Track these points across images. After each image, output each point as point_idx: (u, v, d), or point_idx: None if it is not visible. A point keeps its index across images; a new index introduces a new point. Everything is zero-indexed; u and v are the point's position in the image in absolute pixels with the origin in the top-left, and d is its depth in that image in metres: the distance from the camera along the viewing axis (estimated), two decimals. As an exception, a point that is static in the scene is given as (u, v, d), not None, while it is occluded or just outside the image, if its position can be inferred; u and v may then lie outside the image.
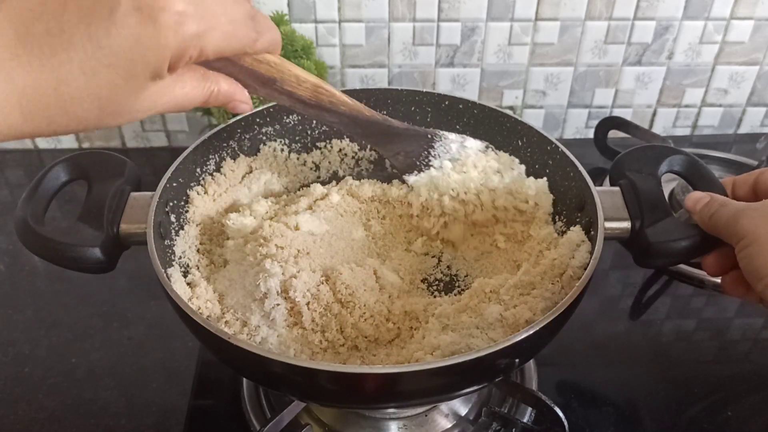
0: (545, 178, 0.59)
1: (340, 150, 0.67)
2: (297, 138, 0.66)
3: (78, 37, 0.31)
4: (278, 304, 0.50)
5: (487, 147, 0.61)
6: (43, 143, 0.96)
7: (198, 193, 0.58)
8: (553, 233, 0.57)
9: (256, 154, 0.64)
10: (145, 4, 0.32)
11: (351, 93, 0.65)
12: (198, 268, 0.56)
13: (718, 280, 0.50)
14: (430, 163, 0.59)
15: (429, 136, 0.59)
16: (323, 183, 0.67)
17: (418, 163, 0.59)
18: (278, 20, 0.78)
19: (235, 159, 0.62)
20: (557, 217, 0.59)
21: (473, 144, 0.60)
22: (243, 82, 0.43)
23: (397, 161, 0.59)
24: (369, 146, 0.68)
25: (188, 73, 0.38)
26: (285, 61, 0.46)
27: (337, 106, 0.51)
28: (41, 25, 0.31)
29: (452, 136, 0.60)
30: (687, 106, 0.97)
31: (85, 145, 0.96)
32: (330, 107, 0.51)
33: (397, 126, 0.57)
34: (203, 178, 0.59)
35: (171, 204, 0.55)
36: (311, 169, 0.67)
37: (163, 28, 0.33)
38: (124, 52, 0.32)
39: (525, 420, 0.58)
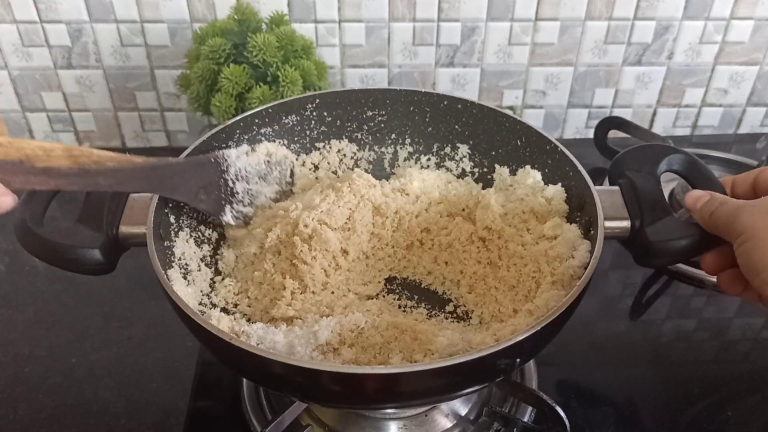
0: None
1: (339, 150, 0.67)
2: (296, 138, 0.66)
3: None
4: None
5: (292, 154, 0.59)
6: (42, 143, 0.96)
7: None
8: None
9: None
10: None
11: (350, 93, 0.66)
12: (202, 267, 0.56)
13: (718, 279, 0.51)
14: (234, 190, 0.55)
15: (213, 160, 0.54)
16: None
17: (222, 195, 0.54)
18: (278, 20, 0.78)
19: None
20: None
21: (274, 150, 0.58)
22: None
23: (202, 203, 0.54)
24: (368, 148, 0.68)
25: None
26: (19, 138, 0.41)
27: (104, 163, 0.45)
28: None
29: (233, 152, 0.56)
30: (687, 106, 0.97)
31: (86, 145, 0.96)
32: (97, 168, 0.45)
33: (176, 162, 0.52)
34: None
35: (170, 205, 0.55)
36: (310, 169, 0.67)
37: None
38: None
39: (525, 419, 0.58)
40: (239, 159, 0.56)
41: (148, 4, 0.84)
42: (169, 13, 0.85)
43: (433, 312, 0.57)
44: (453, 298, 0.59)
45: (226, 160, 0.55)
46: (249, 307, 0.56)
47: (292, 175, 0.60)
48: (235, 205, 0.56)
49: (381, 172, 0.68)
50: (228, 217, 0.56)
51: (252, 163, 0.57)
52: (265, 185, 0.58)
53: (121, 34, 0.86)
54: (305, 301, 0.54)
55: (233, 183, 0.56)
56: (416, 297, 0.59)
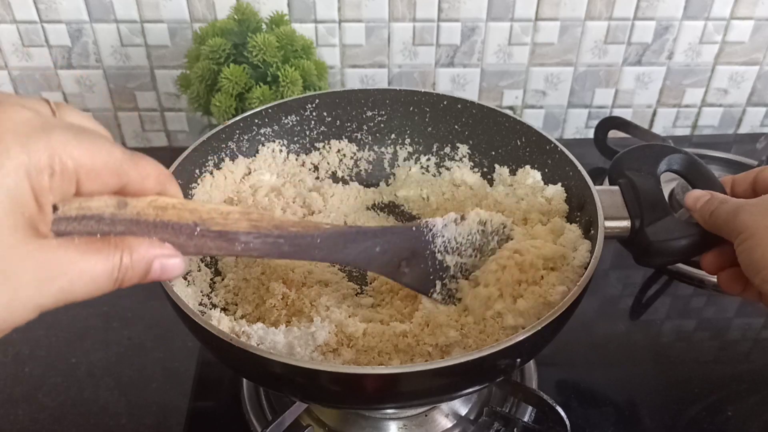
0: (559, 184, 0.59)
1: (339, 150, 0.67)
2: (295, 139, 0.66)
3: None
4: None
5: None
6: (42, 143, 0.96)
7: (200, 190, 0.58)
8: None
9: (255, 155, 0.64)
10: None
11: (350, 93, 0.66)
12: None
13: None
14: (445, 264, 0.49)
15: (414, 229, 0.48)
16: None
17: (431, 269, 0.49)
18: (278, 20, 0.78)
19: (233, 160, 0.62)
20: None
21: (488, 217, 0.51)
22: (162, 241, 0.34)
23: (405, 277, 0.48)
24: (367, 148, 0.68)
25: (81, 239, 0.30)
26: (193, 200, 0.37)
27: (286, 228, 0.40)
28: None
29: (439, 221, 0.49)
30: (687, 106, 0.97)
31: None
32: (279, 232, 0.40)
33: (372, 230, 0.46)
34: (202, 179, 0.59)
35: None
36: (310, 170, 0.67)
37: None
38: None
39: (526, 419, 0.58)
40: (446, 228, 0.49)
41: (148, 4, 0.84)
42: (169, 13, 0.85)
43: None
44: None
45: (431, 230, 0.49)
46: (242, 307, 0.56)
47: (508, 239, 0.52)
48: (446, 281, 0.50)
49: (381, 172, 0.68)
50: (438, 296, 0.50)
51: (463, 233, 0.50)
52: (482, 257, 0.51)
53: (121, 34, 0.86)
54: (295, 302, 0.54)
55: (442, 255, 0.49)
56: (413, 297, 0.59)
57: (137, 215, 0.33)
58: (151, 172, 0.33)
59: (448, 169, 0.67)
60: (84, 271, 0.29)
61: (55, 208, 0.30)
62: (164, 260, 0.34)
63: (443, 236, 0.49)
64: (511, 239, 0.52)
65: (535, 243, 0.52)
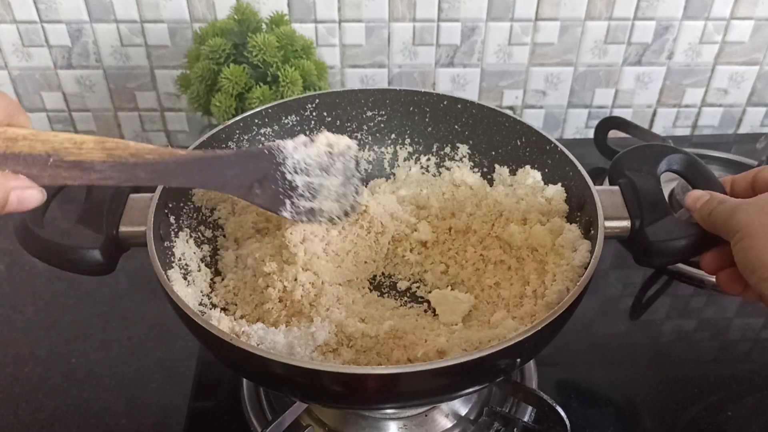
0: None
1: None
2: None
3: None
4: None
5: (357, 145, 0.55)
6: (42, 143, 0.96)
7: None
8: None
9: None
10: None
11: (350, 93, 0.66)
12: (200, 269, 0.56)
13: (718, 279, 0.51)
14: (294, 184, 0.51)
15: (266, 152, 0.50)
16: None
17: (280, 189, 0.50)
18: (278, 20, 0.78)
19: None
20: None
21: (335, 140, 0.53)
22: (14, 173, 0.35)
23: (257, 197, 0.50)
24: (367, 148, 0.68)
25: None
26: (43, 131, 0.38)
27: (142, 156, 0.41)
28: None
29: (289, 143, 0.51)
30: (687, 106, 0.97)
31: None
32: (135, 161, 0.41)
33: (225, 154, 0.49)
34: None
35: (170, 205, 0.55)
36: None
37: None
38: None
39: (526, 419, 0.58)
40: (297, 151, 0.51)
41: (148, 4, 0.84)
42: (169, 13, 0.85)
43: (430, 311, 0.58)
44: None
45: (282, 152, 0.51)
46: (241, 308, 0.56)
47: (357, 164, 0.55)
48: (295, 200, 0.52)
49: (381, 172, 0.69)
50: (287, 213, 0.52)
51: (311, 154, 0.52)
52: (329, 178, 0.53)
53: (121, 34, 0.86)
54: (294, 303, 0.54)
55: (292, 176, 0.51)
56: (412, 297, 0.59)
57: None
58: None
59: (448, 169, 0.67)
60: None
61: None
62: (20, 192, 0.34)
63: (293, 158, 0.50)
64: (358, 164, 0.56)
65: (522, 228, 0.54)
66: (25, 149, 0.35)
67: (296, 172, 0.51)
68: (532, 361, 0.63)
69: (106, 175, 0.40)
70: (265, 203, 0.51)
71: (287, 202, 0.51)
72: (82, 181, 0.39)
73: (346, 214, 0.55)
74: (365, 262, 0.60)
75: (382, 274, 0.61)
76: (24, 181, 0.35)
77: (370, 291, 0.59)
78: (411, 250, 0.62)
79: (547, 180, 0.60)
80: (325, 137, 0.53)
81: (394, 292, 0.60)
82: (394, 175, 0.69)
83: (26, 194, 0.35)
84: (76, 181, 0.38)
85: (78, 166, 0.38)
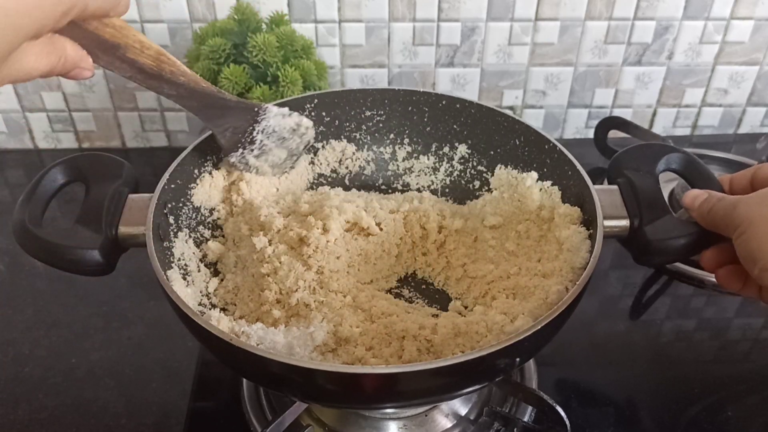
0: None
1: (338, 150, 0.67)
2: (296, 138, 0.66)
3: None
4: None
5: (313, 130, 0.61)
6: (42, 143, 0.96)
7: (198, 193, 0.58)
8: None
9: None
10: None
11: (349, 93, 0.66)
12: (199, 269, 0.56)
13: (718, 277, 0.51)
14: (254, 139, 0.58)
15: (255, 109, 0.57)
16: (322, 184, 0.67)
17: (243, 140, 0.57)
18: (278, 20, 0.78)
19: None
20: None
21: (305, 123, 0.60)
22: (85, 49, 0.41)
23: (224, 138, 0.57)
24: (366, 148, 0.68)
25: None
26: (129, 26, 0.45)
27: (177, 76, 0.50)
28: None
29: (275, 109, 0.58)
30: (687, 106, 0.97)
31: (85, 145, 0.96)
32: (170, 77, 0.50)
33: (229, 98, 0.55)
34: (201, 179, 0.59)
35: (169, 206, 0.55)
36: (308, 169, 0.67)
37: None
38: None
39: (525, 419, 0.58)
40: (275, 117, 0.58)
41: (148, 4, 0.84)
42: (169, 13, 0.85)
43: (433, 306, 0.58)
44: (451, 295, 0.59)
45: (264, 114, 0.57)
46: (240, 308, 0.56)
47: (306, 148, 0.62)
48: (245, 151, 0.58)
49: (379, 172, 0.69)
50: (234, 159, 0.58)
51: (282, 124, 0.59)
52: (278, 148, 0.60)
53: (121, 35, 0.86)
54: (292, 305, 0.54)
55: (257, 133, 0.58)
56: (413, 293, 0.60)
57: (85, 22, 0.41)
58: None
59: (446, 170, 0.67)
60: (35, 60, 0.35)
61: None
62: (80, 70, 0.40)
63: (268, 121, 0.58)
64: (313, 146, 0.65)
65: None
66: (107, 35, 0.42)
67: (262, 132, 0.58)
68: (531, 361, 0.63)
69: (144, 77, 0.48)
70: (225, 144, 0.57)
71: (240, 151, 0.58)
72: (124, 74, 0.46)
73: (266, 174, 0.62)
74: (374, 264, 0.60)
75: (398, 275, 0.62)
76: (87, 63, 0.41)
77: (380, 291, 0.59)
78: (424, 253, 0.62)
79: (546, 179, 0.60)
80: (300, 117, 0.60)
81: (408, 292, 0.60)
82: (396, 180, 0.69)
83: (83, 73, 0.41)
84: (120, 71, 0.46)
85: (131, 63, 0.46)
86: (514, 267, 0.57)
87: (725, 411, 0.61)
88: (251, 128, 0.57)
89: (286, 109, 0.59)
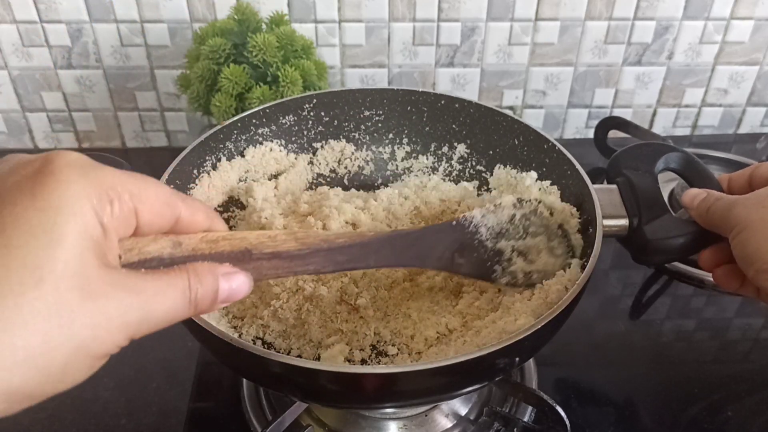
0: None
1: (337, 150, 0.67)
2: (293, 138, 0.66)
3: None
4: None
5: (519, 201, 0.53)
6: (43, 143, 0.96)
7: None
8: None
9: (253, 155, 0.64)
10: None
11: (348, 93, 0.66)
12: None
13: (717, 277, 0.51)
14: (499, 249, 0.50)
15: (454, 223, 0.50)
16: (321, 184, 0.67)
17: (486, 257, 0.49)
18: (278, 20, 0.78)
19: (231, 160, 0.62)
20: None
21: (507, 200, 0.53)
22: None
23: (462, 268, 0.50)
24: (365, 148, 0.68)
25: (147, 270, 0.32)
26: (236, 231, 0.39)
27: (334, 241, 0.42)
28: None
29: (478, 211, 0.51)
30: (687, 106, 0.97)
31: (85, 145, 0.96)
32: (327, 246, 0.41)
33: (411, 231, 0.48)
34: (200, 180, 0.59)
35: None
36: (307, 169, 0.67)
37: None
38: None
39: (525, 419, 0.58)
40: (486, 218, 0.51)
41: (148, 4, 0.84)
42: (169, 13, 0.85)
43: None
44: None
45: (471, 221, 0.50)
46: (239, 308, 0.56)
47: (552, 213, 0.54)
48: (505, 265, 0.51)
49: (379, 172, 0.69)
50: (504, 279, 0.51)
51: (504, 218, 0.51)
52: (532, 238, 0.52)
53: (121, 34, 0.86)
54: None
55: (492, 243, 0.51)
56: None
57: (193, 251, 0.34)
58: (200, 206, 0.35)
59: (445, 170, 0.67)
60: (160, 292, 0.31)
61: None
62: (230, 277, 0.34)
63: (486, 225, 0.50)
64: (312, 146, 0.58)
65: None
66: (227, 248, 0.36)
67: (496, 238, 0.51)
68: (531, 361, 0.63)
69: (306, 261, 0.40)
70: (472, 272, 0.50)
71: (498, 268, 0.51)
72: (285, 272, 0.39)
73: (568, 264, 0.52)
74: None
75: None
76: (229, 267, 0.35)
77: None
78: None
79: (545, 179, 0.60)
80: (509, 199, 0.52)
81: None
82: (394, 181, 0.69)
83: (235, 278, 0.34)
84: (279, 270, 0.39)
85: (277, 256, 0.38)
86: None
87: (725, 411, 0.61)
88: (477, 241, 0.50)
89: (488, 205, 0.51)
